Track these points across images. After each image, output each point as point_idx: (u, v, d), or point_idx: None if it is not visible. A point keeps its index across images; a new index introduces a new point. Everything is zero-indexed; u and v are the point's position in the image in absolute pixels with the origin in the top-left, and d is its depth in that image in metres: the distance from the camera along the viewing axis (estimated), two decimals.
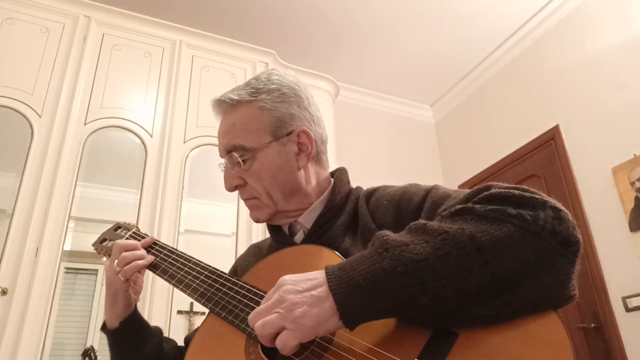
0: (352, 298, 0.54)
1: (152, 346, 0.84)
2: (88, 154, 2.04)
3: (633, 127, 2.30)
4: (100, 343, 1.98)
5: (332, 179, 0.87)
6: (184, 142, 2.23)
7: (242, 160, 0.78)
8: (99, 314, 2.14)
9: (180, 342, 0.91)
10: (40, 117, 1.99)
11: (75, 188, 1.94)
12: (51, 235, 1.81)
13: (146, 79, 2.28)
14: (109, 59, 2.24)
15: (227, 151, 0.80)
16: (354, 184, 0.87)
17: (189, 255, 0.84)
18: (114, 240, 0.96)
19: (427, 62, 3.26)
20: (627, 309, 2.14)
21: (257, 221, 0.83)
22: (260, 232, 2.16)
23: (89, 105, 2.10)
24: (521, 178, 2.89)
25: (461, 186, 3.31)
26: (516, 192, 0.57)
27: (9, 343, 1.62)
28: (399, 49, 3.13)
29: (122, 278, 0.81)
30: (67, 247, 1.94)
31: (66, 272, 2.08)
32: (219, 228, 2.30)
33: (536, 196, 0.57)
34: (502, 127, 3.12)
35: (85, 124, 2.06)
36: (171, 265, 0.83)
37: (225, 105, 0.82)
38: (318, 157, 0.84)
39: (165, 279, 0.83)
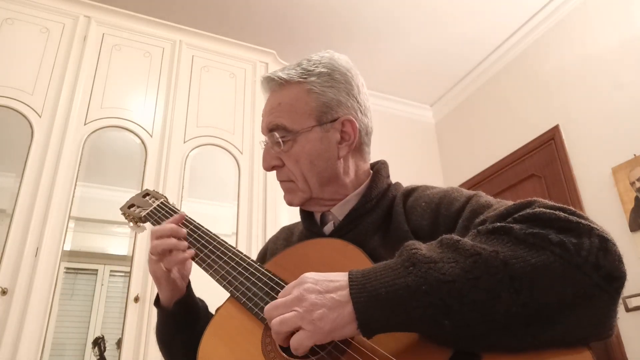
0: (372, 308, 0.53)
1: (200, 327, 0.83)
2: (88, 154, 2.04)
3: (633, 127, 2.30)
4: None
5: (372, 172, 0.84)
6: (184, 142, 2.23)
7: (283, 141, 0.77)
8: (98, 314, 2.14)
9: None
10: (40, 117, 1.99)
11: (75, 188, 1.93)
12: (51, 235, 1.81)
13: (146, 79, 2.28)
14: (109, 59, 2.24)
15: (269, 130, 0.78)
16: None
17: (213, 234, 0.83)
18: (141, 207, 0.95)
19: (427, 62, 3.26)
20: (627, 309, 2.14)
21: (290, 204, 0.82)
22: (260, 234, 2.16)
23: (89, 105, 2.10)
24: (521, 178, 2.89)
25: (461, 186, 3.29)
26: (561, 214, 0.53)
27: (9, 343, 1.62)
28: (399, 49, 3.13)
29: (164, 268, 0.79)
30: (67, 247, 1.94)
31: (66, 272, 2.08)
32: (219, 228, 2.29)
33: (583, 221, 0.52)
34: (502, 127, 3.12)
35: (85, 124, 2.06)
36: (195, 242, 0.82)
37: (273, 84, 0.80)
38: (360, 148, 0.82)
39: None
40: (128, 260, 1.97)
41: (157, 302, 0.85)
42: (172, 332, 0.83)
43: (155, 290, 0.86)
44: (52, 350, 1.83)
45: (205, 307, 0.88)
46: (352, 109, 0.79)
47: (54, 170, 1.91)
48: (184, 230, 0.83)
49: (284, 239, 0.92)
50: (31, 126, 1.96)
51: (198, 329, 0.82)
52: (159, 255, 0.79)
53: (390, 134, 3.46)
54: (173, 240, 0.79)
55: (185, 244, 0.81)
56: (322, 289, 0.55)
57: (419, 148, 3.61)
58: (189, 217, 0.88)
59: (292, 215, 2.10)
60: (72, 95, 2.07)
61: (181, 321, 0.83)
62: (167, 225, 0.82)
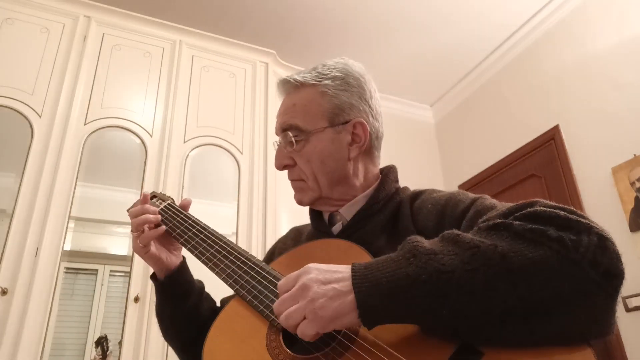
0: (373, 297, 0.54)
1: (189, 304, 0.87)
2: (88, 154, 2.04)
3: (633, 127, 2.30)
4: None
5: (380, 176, 0.86)
6: (184, 142, 2.23)
7: (295, 141, 0.79)
8: (98, 314, 2.14)
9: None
10: (40, 117, 1.99)
11: (75, 188, 1.93)
12: (51, 235, 1.81)
13: (146, 79, 2.28)
14: (109, 59, 2.24)
15: (283, 129, 0.81)
16: None
17: (219, 234, 0.86)
18: None
19: (427, 62, 3.26)
20: (627, 309, 2.14)
21: (300, 203, 0.84)
22: (260, 233, 2.16)
23: (89, 105, 2.10)
24: (521, 178, 2.89)
25: (461, 186, 3.31)
26: (561, 212, 0.54)
27: (9, 343, 1.62)
28: (399, 49, 3.13)
29: (140, 245, 0.84)
30: (67, 247, 1.94)
31: (66, 272, 2.08)
32: (219, 228, 2.29)
33: (582, 220, 0.53)
34: (502, 127, 3.12)
35: (85, 124, 2.06)
36: (202, 242, 0.85)
37: (289, 86, 0.83)
38: (370, 152, 0.84)
39: (195, 255, 0.84)
40: (128, 260, 1.97)
41: (153, 275, 0.89)
42: (162, 304, 0.88)
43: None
44: (52, 350, 1.83)
45: (201, 287, 0.91)
46: (363, 113, 0.81)
47: (54, 170, 1.91)
48: (154, 208, 0.89)
49: (293, 239, 0.94)
50: (31, 126, 1.96)
51: (188, 304, 0.86)
52: (137, 232, 0.85)
53: (390, 134, 3.43)
54: (143, 217, 0.85)
55: (155, 218, 0.86)
56: (324, 279, 0.56)
57: (419, 148, 3.61)
58: (195, 217, 0.90)
59: (292, 216, 2.10)
60: (72, 95, 2.08)
61: (169, 294, 0.86)
62: (139, 205, 0.89)
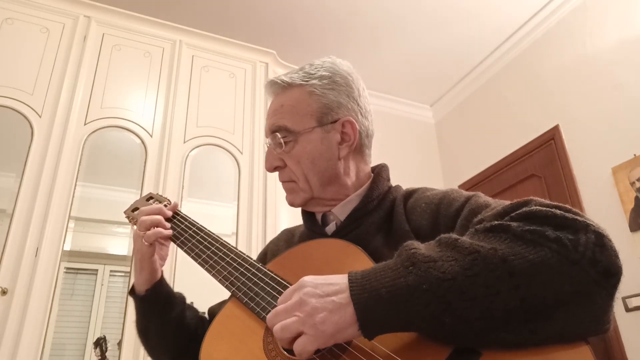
0: (372, 309, 0.52)
1: (175, 314, 0.86)
2: (88, 154, 2.04)
3: (633, 127, 2.30)
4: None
5: (372, 175, 0.85)
6: (184, 142, 2.23)
7: (285, 142, 0.79)
8: (98, 314, 2.14)
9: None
10: (40, 117, 1.99)
11: (75, 188, 1.93)
12: (51, 235, 1.81)
13: (146, 79, 2.28)
14: (109, 59, 2.24)
15: (272, 131, 0.80)
16: None
17: (216, 235, 0.85)
18: None
19: (427, 62, 3.26)
20: (627, 309, 2.14)
21: (291, 205, 0.83)
22: (260, 234, 2.16)
23: (89, 105, 2.10)
24: (521, 178, 2.89)
25: (461, 186, 3.31)
26: (557, 212, 0.54)
27: (9, 343, 1.62)
28: (398, 49, 3.13)
29: (145, 243, 0.82)
30: (67, 247, 1.94)
31: (66, 272, 2.08)
32: (218, 228, 2.28)
33: (578, 218, 0.53)
34: (502, 127, 3.12)
35: (85, 124, 2.06)
36: (198, 243, 0.84)
37: (276, 87, 0.83)
38: (361, 150, 0.83)
39: (192, 257, 0.83)
40: (128, 260, 1.97)
41: (132, 291, 0.87)
42: (147, 318, 0.86)
43: None
44: (52, 350, 1.83)
45: (183, 296, 0.90)
46: (352, 111, 0.81)
47: (54, 170, 1.91)
48: (170, 212, 0.88)
49: (285, 241, 0.93)
50: (31, 126, 1.96)
51: (174, 314, 0.85)
52: (145, 231, 0.83)
53: (390, 134, 3.46)
54: (158, 217, 0.85)
55: (167, 223, 0.86)
56: (322, 292, 0.55)
57: (419, 148, 3.61)
58: (192, 219, 0.90)
59: (291, 215, 2.10)
60: (72, 95, 2.07)
61: (156, 305, 0.85)
62: (155, 205, 0.88)
